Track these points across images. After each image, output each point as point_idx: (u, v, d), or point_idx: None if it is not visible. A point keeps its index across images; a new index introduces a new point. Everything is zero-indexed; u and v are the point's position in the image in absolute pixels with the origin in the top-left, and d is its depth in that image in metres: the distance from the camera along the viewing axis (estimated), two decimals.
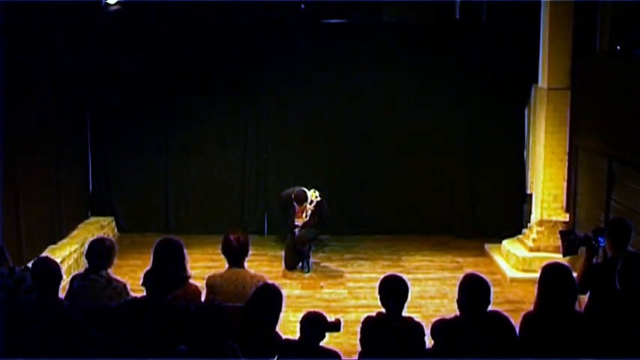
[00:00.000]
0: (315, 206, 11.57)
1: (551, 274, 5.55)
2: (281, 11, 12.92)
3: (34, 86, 11.06)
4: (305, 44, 13.25)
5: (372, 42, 13.21)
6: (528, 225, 12.27)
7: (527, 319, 5.51)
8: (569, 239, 6.94)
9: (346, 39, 13.23)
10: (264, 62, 13.23)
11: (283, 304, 5.84)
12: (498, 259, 12.11)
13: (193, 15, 12.91)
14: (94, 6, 12.15)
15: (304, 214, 11.61)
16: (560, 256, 7.46)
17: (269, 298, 5.73)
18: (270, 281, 6.41)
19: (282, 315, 5.85)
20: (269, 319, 5.65)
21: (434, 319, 5.65)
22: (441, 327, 5.50)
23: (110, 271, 6.58)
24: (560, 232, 7.10)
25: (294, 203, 11.55)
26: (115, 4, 12.18)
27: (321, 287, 11.10)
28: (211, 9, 12.85)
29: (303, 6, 13.02)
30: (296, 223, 11.67)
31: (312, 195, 11.59)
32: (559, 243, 7.33)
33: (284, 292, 6.01)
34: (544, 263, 5.76)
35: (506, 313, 5.58)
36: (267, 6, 12.77)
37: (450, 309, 9.11)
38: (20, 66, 10.45)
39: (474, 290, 5.44)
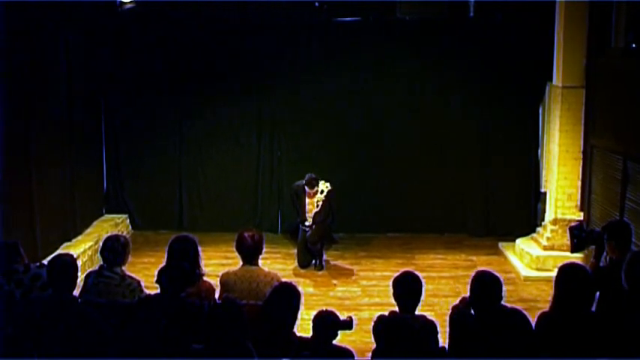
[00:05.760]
0: (325, 196, 11.57)
1: (568, 274, 5.51)
2: (295, 10, 12.93)
3: (50, 85, 11.12)
4: (319, 42, 13.26)
5: (386, 40, 13.21)
6: (542, 224, 12.24)
7: (544, 318, 5.49)
8: (579, 235, 6.89)
9: (360, 37, 13.23)
10: (278, 61, 13.24)
11: (301, 303, 5.82)
12: (512, 257, 12.09)
13: (208, 13, 12.94)
14: (109, 5, 12.20)
15: (315, 203, 11.60)
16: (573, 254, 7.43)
17: (287, 298, 5.68)
18: (288, 280, 6.39)
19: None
20: (287, 318, 5.63)
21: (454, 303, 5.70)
22: (458, 319, 5.52)
23: (124, 268, 6.59)
24: (570, 228, 7.02)
25: (305, 188, 11.56)
26: (130, 2, 12.22)
27: (334, 285, 11.11)
28: (226, 7, 12.87)
29: (317, 4, 13.02)
30: (307, 215, 11.69)
31: (323, 185, 11.60)
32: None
33: None
34: (561, 263, 5.71)
35: (525, 312, 5.57)
36: (282, 4, 12.78)
37: None
38: (36, 66, 10.52)
39: (484, 286, 5.44)
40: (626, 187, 10.20)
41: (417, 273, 5.91)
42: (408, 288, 5.75)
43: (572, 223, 7.37)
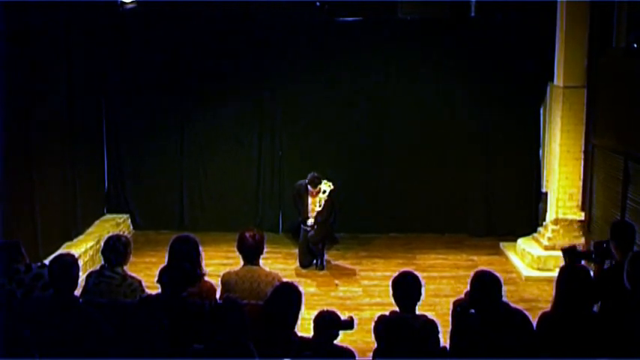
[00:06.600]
0: (328, 195, 11.56)
1: (569, 274, 5.51)
2: (296, 9, 12.93)
3: (51, 85, 11.11)
4: (320, 42, 13.24)
5: (387, 40, 13.20)
6: (544, 223, 12.23)
7: (545, 318, 5.49)
8: (571, 258, 6.78)
9: (361, 37, 13.22)
10: (279, 61, 13.23)
11: (302, 303, 5.82)
12: (513, 257, 12.08)
13: (208, 13, 12.94)
14: (109, 5, 12.19)
15: (318, 203, 11.60)
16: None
17: (288, 298, 5.69)
18: (289, 280, 6.39)
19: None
20: (288, 318, 5.63)
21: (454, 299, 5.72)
22: (460, 316, 5.52)
23: (125, 268, 6.60)
24: (562, 250, 6.92)
25: (308, 187, 11.56)
26: (131, 2, 12.21)
27: (336, 285, 11.10)
28: (226, 7, 12.87)
29: (318, 4, 13.01)
30: (309, 214, 11.68)
31: (326, 184, 11.59)
32: (574, 241, 7.24)
33: None
34: (562, 264, 5.72)
35: (527, 313, 5.57)
36: (282, 4, 12.78)
37: None
38: (37, 65, 10.51)
39: (484, 286, 5.44)
40: (627, 187, 10.19)
41: (415, 272, 5.91)
42: (406, 288, 5.75)
43: (564, 246, 7.15)
